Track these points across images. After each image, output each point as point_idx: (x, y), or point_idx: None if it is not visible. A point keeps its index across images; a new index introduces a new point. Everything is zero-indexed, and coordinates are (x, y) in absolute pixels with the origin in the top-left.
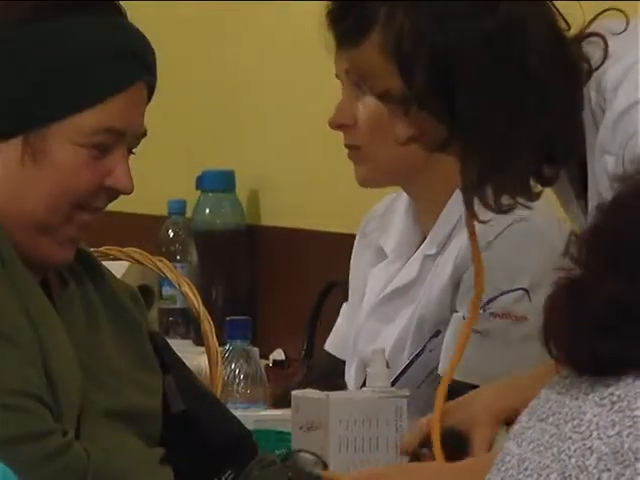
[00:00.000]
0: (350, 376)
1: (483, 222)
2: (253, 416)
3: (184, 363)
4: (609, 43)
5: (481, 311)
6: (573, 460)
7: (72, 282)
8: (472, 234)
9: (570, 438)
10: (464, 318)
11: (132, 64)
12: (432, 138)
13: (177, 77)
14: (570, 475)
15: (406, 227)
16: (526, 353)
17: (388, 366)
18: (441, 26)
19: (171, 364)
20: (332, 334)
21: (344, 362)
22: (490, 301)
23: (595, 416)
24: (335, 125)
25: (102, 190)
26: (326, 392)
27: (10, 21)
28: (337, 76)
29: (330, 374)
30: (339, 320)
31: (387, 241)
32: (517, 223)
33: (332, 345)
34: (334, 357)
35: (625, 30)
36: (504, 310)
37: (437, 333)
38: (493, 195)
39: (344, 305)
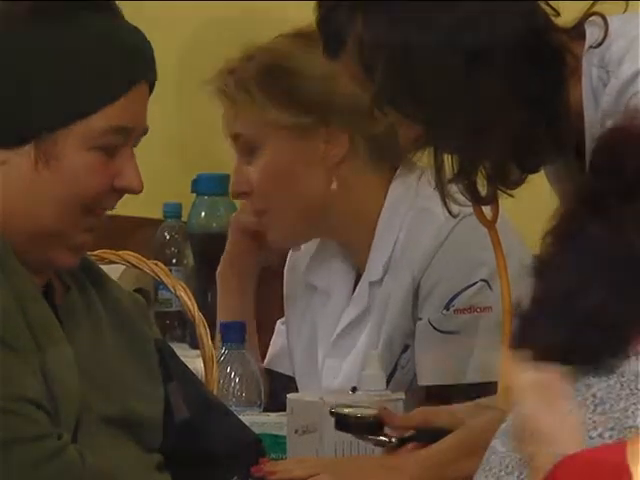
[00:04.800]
0: None
1: (453, 216)
2: (248, 420)
3: (189, 369)
4: (610, 23)
5: (445, 311)
6: None
7: (75, 289)
8: (490, 228)
9: None
10: (429, 322)
11: (136, 64)
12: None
13: (173, 80)
14: None
15: (338, 265)
16: (498, 341)
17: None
18: (396, 31)
19: (175, 371)
20: (271, 350)
21: (287, 377)
22: (452, 299)
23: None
24: (235, 195)
25: (112, 192)
26: (321, 395)
27: (11, 28)
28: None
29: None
30: (275, 337)
31: (322, 281)
32: (464, 219)
33: (273, 363)
34: (280, 374)
35: (624, 12)
36: (468, 304)
37: (406, 348)
38: (469, 186)
39: (278, 324)
